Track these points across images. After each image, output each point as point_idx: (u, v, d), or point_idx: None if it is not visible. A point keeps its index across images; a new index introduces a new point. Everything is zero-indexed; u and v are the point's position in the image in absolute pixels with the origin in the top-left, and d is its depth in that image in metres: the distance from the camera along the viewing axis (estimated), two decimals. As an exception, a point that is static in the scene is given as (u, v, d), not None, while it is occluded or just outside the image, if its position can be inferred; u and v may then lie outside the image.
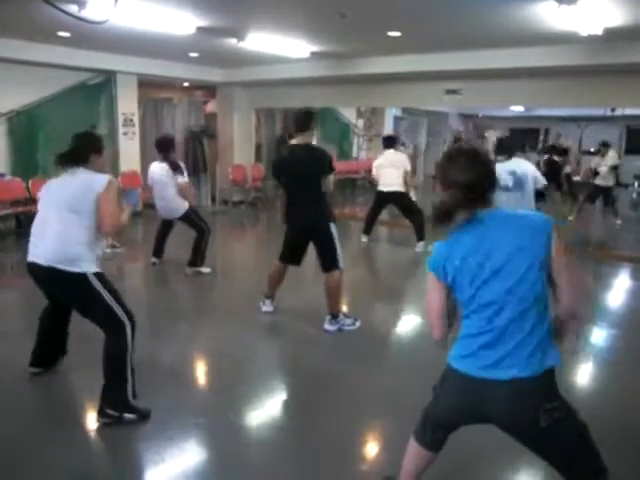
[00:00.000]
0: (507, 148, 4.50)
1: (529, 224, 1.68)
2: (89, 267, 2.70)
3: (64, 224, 2.69)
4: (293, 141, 4.09)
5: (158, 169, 5.45)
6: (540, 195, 4.93)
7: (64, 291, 2.82)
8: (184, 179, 5.44)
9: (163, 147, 5.50)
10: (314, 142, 4.30)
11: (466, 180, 1.66)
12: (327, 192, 4.06)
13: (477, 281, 1.67)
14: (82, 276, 2.68)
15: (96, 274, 2.73)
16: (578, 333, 1.74)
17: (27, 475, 2.40)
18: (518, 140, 16.21)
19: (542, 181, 4.53)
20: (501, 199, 4.13)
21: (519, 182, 4.24)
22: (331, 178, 4.07)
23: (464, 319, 1.77)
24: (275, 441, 2.77)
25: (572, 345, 3.80)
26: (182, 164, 5.54)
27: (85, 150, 2.87)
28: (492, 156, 4.57)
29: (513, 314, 1.64)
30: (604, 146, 9.04)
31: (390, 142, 7.27)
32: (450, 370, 1.79)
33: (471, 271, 1.67)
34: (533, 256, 1.63)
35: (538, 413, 1.62)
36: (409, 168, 7.03)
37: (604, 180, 8.81)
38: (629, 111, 11.92)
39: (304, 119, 4.03)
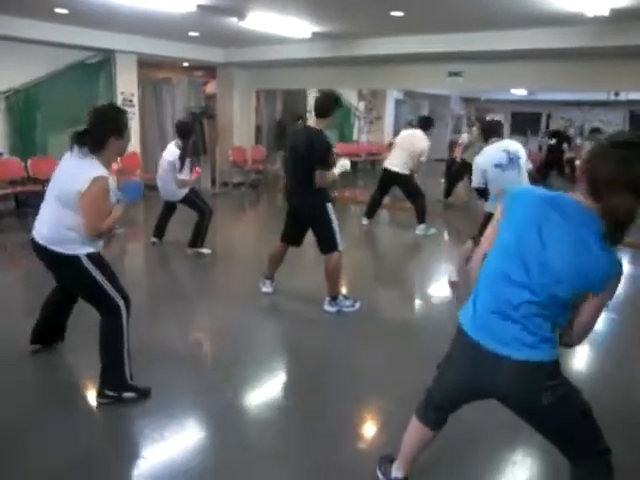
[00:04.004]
0: (494, 131, 4.48)
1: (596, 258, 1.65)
2: (81, 249, 2.65)
3: (56, 210, 2.65)
4: (309, 122, 4.00)
5: (169, 153, 5.38)
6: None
7: (58, 271, 2.81)
8: (182, 176, 5.37)
9: (183, 133, 5.44)
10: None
11: None
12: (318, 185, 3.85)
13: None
14: (74, 258, 2.64)
15: (89, 255, 2.67)
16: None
17: (27, 452, 2.41)
18: (520, 124, 16.19)
19: (528, 165, 4.63)
20: (497, 178, 4.17)
21: (513, 160, 4.23)
22: (327, 174, 3.83)
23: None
24: (274, 419, 2.79)
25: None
26: (188, 160, 5.43)
27: (103, 133, 2.60)
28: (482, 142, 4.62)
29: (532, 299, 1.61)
30: (594, 132, 9.00)
31: (422, 123, 7.18)
32: (461, 333, 1.77)
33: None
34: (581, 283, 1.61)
35: (540, 391, 1.63)
36: (419, 150, 6.75)
37: None
38: (633, 96, 11.80)
39: (327, 105, 3.86)
